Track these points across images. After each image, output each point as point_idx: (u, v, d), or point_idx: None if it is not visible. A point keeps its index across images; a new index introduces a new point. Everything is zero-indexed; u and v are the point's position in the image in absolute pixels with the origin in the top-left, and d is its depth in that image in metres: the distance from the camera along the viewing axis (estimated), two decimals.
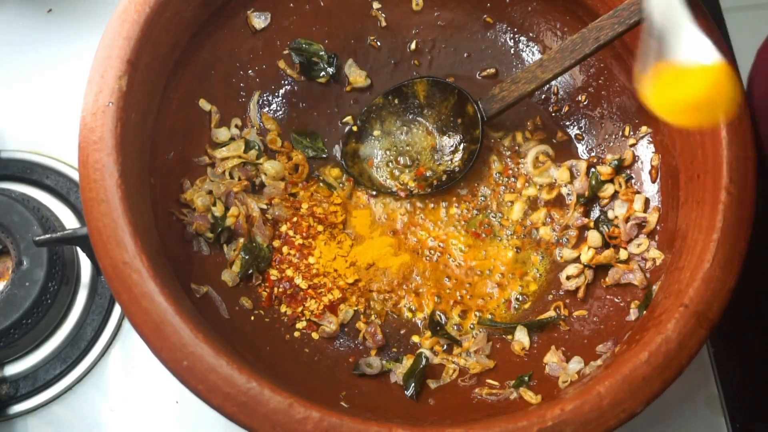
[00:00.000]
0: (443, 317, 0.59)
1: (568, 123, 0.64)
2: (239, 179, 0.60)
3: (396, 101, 0.64)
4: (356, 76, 0.64)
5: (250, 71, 0.62)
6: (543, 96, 0.64)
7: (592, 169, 0.61)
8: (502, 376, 0.55)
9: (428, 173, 0.63)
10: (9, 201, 0.61)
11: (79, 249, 0.63)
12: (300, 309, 0.58)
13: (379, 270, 0.61)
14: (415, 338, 0.58)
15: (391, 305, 0.60)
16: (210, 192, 0.58)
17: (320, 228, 0.61)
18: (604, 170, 0.60)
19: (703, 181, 0.50)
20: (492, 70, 0.65)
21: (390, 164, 0.64)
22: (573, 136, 0.63)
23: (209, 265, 0.56)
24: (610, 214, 0.60)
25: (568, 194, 0.62)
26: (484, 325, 0.58)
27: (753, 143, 0.50)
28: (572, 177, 0.62)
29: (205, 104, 0.59)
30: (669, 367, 0.44)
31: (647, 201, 0.58)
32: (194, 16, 0.55)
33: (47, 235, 0.57)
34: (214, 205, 0.58)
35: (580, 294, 0.58)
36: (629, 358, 0.44)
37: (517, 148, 0.64)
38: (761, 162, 0.50)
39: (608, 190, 0.60)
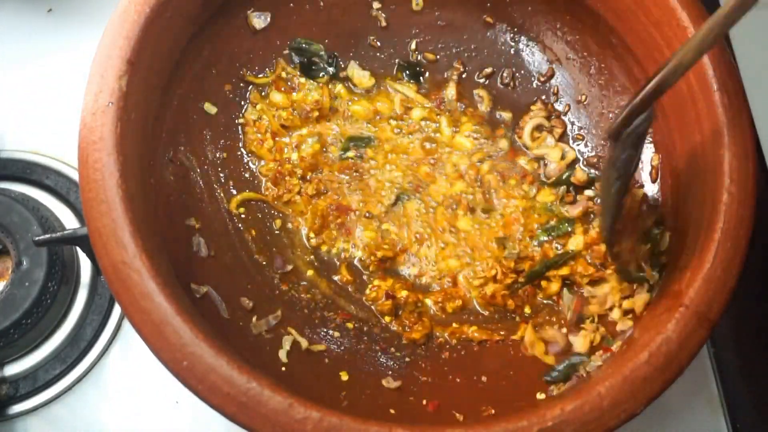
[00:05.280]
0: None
1: (568, 123, 0.64)
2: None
3: None
4: (359, 77, 0.64)
5: (250, 71, 0.62)
6: (543, 96, 0.64)
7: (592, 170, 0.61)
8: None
9: None
10: (9, 201, 0.61)
11: (79, 249, 0.63)
12: None
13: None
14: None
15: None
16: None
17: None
18: None
19: (703, 181, 0.50)
20: (492, 70, 0.65)
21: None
22: (573, 136, 0.63)
23: (209, 266, 0.56)
24: None
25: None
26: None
27: (753, 143, 0.50)
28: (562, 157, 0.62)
29: (210, 108, 0.59)
30: (669, 367, 0.44)
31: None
32: (194, 16, 0.55)
33: (47, 235, 0.57)
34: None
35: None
36: (629, 358, 0.44)
37: (517, 148, 0.64)
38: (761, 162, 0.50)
39: None
